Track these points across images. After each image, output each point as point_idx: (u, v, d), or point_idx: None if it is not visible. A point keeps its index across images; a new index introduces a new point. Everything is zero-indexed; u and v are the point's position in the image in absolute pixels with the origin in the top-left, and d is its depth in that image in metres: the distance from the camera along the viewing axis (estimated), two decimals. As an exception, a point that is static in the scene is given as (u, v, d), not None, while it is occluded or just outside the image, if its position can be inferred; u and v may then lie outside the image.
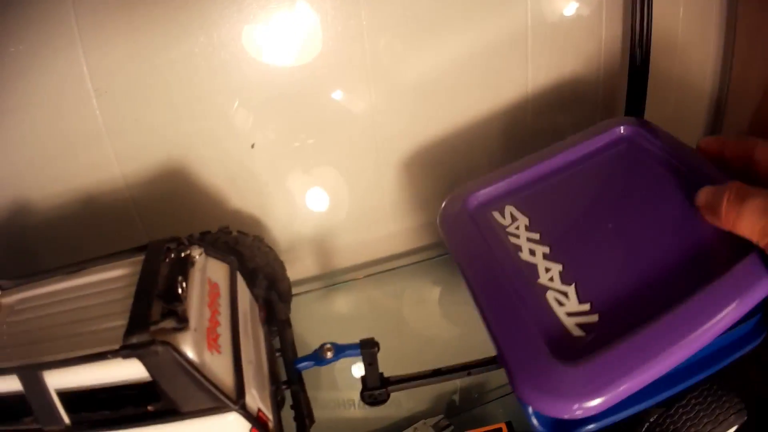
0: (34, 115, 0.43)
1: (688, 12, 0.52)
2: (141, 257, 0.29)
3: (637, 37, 0.48)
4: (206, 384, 0.23)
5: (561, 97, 0.52)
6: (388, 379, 0.32)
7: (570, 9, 0.49)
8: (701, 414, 0.29)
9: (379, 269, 0.54)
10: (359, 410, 0.41)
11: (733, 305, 0.24)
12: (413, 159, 0.51)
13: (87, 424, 0.25)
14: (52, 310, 0.29)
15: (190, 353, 0.23)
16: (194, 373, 0.23)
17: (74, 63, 0.41)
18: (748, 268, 0.25)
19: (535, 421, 0.27)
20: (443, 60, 0.48)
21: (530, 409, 0.27)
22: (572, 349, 0.25)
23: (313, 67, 0.45)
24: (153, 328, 0.23)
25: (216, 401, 0.24)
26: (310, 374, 0.34)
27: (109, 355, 0.23)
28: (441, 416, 0.40)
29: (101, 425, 0.25)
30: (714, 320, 0.24)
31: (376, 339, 0.32)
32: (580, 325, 0.27)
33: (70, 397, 0.25)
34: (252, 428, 0.25)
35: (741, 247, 0.25)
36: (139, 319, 0.23)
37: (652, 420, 0.30)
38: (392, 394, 0.33)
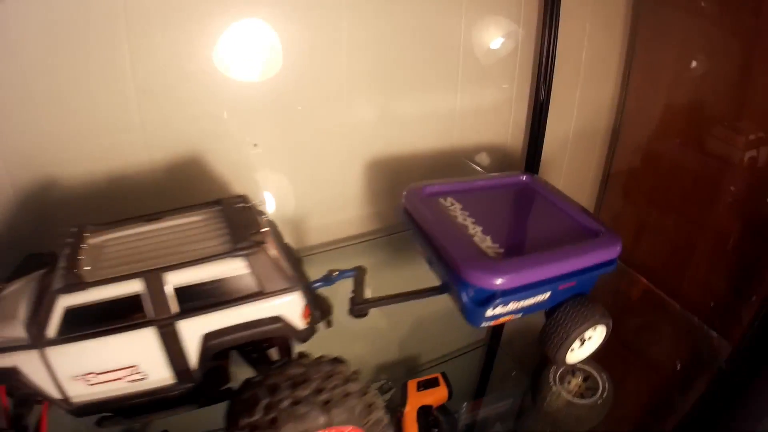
0: (77, 102, 0.53)
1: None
2: (213, 208, 0.44)
3: (536, 134, 0.73)
4: (283, 272, 0.38)
5: (478, 153, 0.76)
6: (368, 299, 0.49)
7: (487, 100, 0.73)
8: (574, 313, 0.49)
9: (340, 245, 0.70)
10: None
11: (580, 258, 0.47)
12: (370, 163, 0.69)
13: (189, 311, 0.38)
14: (147, 242, 0.42)
15: (272, 254, 0.38)
16: (276, 266, 0.38)
17: (121, 63, 0.53)
18: (590, 247, 0.48)
19: (464, 297, 0.45)
20: (398, 108, 0.68)
21: (464, 295, 0.45)
22: (491, 258, 0.46)
23: (296, 85, 0.61)
24: (252, 239, 0.38)
25: (288, 283, 0.39)
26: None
27: (226, 256, 0.37)
28: (384, 380, 0.54)
29: (199, 309, 0.38)
30: (568, 261, 0.46)
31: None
32: (494, 251, 0.47)
33: (181, 292, 0.38)
34: (306, 304, 0.40)
35: (589, 235, 0.48)
36: (241, 235, 0.39)
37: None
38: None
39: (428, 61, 0.67)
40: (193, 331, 0.38)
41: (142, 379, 0.39)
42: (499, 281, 0.43)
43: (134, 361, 0.39)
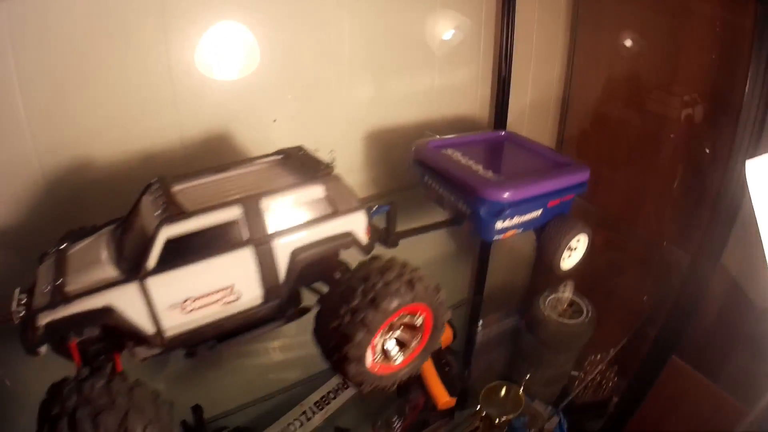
0: (113, 85, 0.58)
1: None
2: (275, 158, 0.51)
3: (501, 106, 0.87)
4: (351, 195, 0.47)
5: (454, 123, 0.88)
6: (398, 232, 0.59)
7: (458, 79, 0.86)
8: (561, 224, 0.62)
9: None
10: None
11: (562, 178, 0.61)
12: (367, 136, 0.79)
13: (279, 232, 0.44)
14: (225, 185, 0.47)
15: (343, 180, 0.47)
16: (346, 189, 0.47)
17: (156, 47, 0.59)
18: (568, 171, 0.62)
19: (483, 212, 0.57)
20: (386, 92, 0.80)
21: (482, 211, 0.57)
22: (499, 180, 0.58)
23: (307, 70, 0.70)
24: (325, 171, 0.46)
25: (356, 203, 0.47)
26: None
27: (308, 181, 0.45)
28: None
29: (288, 231, 0.45)
30: (554, 180, 0.59)
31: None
32: (497, 179, 0.59)
33: (271, 216, 0.44)
34: (368, 223, 0.48)
35: (563, 165, 0.62)
36: (316, 168, 0.47)
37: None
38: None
39: (411, 48, 0.79)
40: (283, 248, 0.45)
41: (235, 300, 0.44)
42: (507, 194, 0.56)
43: (231, 281, 0.43)
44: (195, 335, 0.44)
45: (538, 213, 0.60)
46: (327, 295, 0.45)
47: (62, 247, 0.46)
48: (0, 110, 0.53)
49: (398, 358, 0.47)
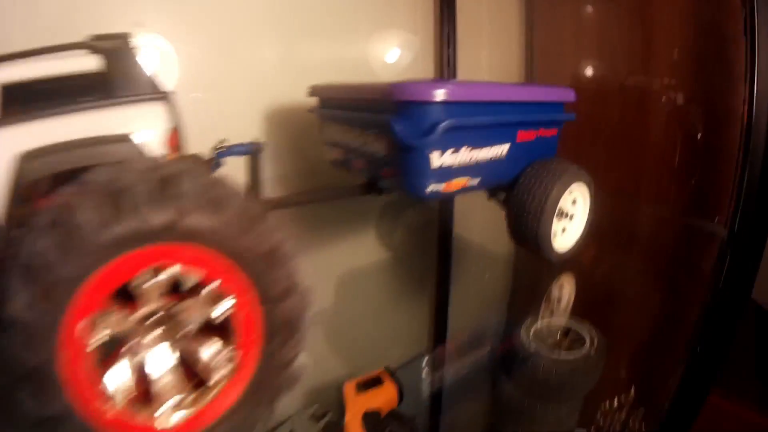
0: None
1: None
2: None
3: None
4: (149, 80, 0.29)
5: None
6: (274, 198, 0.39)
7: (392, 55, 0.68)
8: (543, 172, 0.39)
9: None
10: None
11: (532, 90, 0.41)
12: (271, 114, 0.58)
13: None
14: None
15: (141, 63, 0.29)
16: (142, 71, 0.29)
17: None
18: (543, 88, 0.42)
19: (401, 130, 0.33)
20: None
21: (401, 128, 0.33)
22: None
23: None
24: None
25: (156, 93, 0.29)
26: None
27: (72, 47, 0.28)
28: (317, 405, 0.44)
29: (12, 120, 0.27)
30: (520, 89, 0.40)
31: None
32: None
33: (9, 95, 0.27)
34: (173, 128, 0.29)
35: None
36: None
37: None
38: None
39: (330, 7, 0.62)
40: (3, 148, 0.26)
41: None
42: (441, 93, 0.32)
43: None
44: None
45: (502, 150, 0.37)
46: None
47: None
48: None
49: (178, 408, 0.23)
